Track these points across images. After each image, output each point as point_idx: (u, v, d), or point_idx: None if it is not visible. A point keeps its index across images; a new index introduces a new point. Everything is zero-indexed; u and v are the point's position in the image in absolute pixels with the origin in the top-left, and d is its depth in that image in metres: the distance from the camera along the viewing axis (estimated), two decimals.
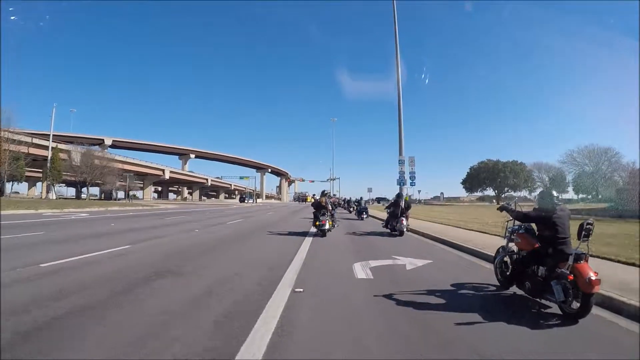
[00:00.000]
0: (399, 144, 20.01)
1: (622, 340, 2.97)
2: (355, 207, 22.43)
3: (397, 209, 10.79)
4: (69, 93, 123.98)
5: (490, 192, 79.03)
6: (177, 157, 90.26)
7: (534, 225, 4.03)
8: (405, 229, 10.53)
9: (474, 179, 75.87)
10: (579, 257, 3.38)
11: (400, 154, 19.98)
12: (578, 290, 3.27)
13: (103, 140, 71.29)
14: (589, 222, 3.53)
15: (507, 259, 4.22)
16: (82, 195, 53.32)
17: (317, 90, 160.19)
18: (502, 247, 4.41)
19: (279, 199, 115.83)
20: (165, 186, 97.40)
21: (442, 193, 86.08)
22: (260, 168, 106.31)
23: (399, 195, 11.44)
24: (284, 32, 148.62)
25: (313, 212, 10.39)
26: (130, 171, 56.08)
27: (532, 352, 2.61)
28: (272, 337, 2.69)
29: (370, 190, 53.62)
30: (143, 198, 76.72)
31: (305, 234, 10.43)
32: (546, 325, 3.22)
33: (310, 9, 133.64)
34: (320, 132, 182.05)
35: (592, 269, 3.33)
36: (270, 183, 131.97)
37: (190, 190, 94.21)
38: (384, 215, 12.28)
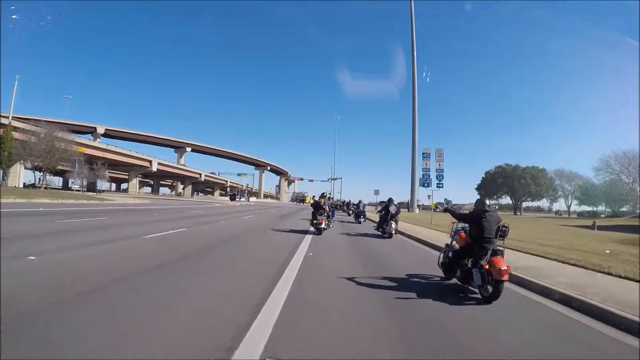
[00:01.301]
0: (412, 132, 19.78)
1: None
2: (353, 210, 23.71)
3: (387, 213, 12.37)
4: (68, 80, 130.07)
5: (506, 199, 78.57)
6: (172, 150, 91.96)
7: None
8: (394, 232, 12.22)
9: (491, 185, 75.38)
10: (495, 252, 4.76)
11: (414, 144, 19.30)
12: (492, 277, 4.61)
13: (95, 128, 72.68)
14: (505, 225, 4.91)
15: (450, 254, 5.57)
16: (75, 187, 51.34)
17: (320, 89, 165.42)
18: (447, 244, 5.78)
19: (277, 198, 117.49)
20: (156, 179, 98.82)
21: (445, 199, 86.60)
22: (259, 165, 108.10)
23: (390, 200, 13.15)
24: (286, 30, 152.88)
25: (312, 212, 12.66)
26: (108, 159, 54.50)
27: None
28: None
29: (377, 192, 54.35)
30: (128, 191, 77.71)
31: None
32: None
33: (315, 9, 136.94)
34: (323, 131, 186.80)
35: (505, 262, 4.67)
36: (269, 182, 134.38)
37: (183, 185, 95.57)
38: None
